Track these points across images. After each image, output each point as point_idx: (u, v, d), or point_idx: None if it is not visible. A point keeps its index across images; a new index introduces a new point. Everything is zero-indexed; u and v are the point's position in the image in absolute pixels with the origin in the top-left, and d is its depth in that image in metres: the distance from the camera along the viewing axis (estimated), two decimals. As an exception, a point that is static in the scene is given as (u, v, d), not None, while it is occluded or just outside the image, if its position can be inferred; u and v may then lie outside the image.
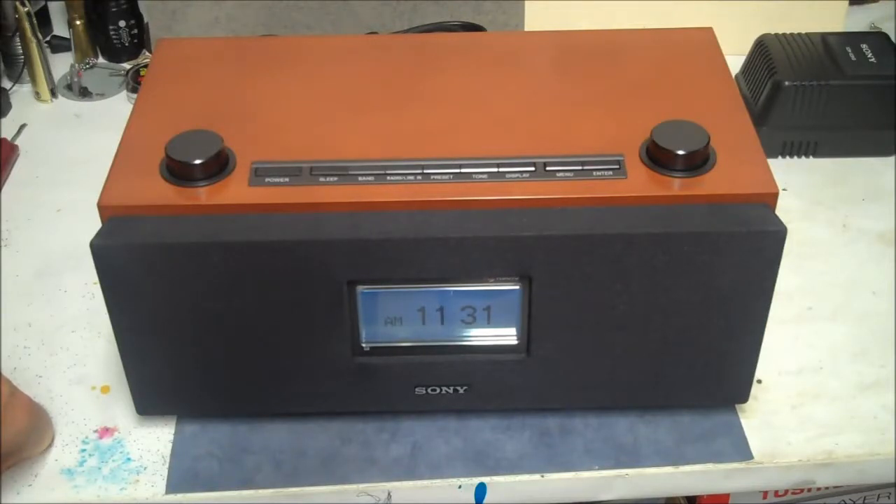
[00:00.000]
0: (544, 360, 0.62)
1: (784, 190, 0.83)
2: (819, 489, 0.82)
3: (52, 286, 0.77)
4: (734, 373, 0.63)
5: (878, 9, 1.07)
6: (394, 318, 0.61)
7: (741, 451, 0.65)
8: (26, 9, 0.93)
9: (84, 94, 0.98)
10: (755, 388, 0.67)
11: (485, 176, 0.58)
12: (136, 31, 1.01)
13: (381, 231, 0.56)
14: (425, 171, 0.58)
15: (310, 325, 0.60)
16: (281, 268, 0.57)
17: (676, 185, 0.58)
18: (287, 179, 0.58)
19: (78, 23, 0.99)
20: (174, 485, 0.63)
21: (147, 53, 1.02)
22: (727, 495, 0.79)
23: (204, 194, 0.58)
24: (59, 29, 1.05)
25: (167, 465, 0.64)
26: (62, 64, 1.00)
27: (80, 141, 0.92)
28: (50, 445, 0.65)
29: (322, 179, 0.58)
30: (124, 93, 0.97)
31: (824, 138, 0.88)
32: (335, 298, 0.59)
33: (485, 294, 0.60)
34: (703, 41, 0.70)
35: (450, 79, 0.66)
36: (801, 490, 0.81)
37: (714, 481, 0.65)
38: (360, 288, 0.59)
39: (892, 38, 0.91)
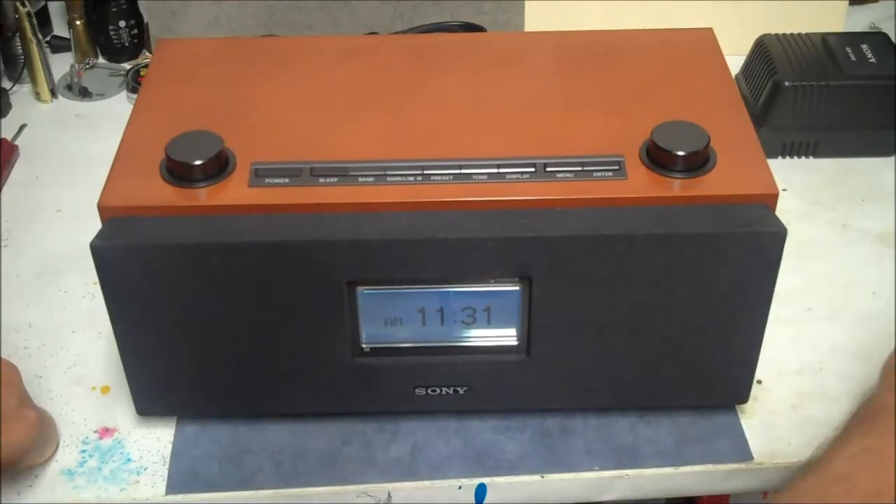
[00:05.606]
0: (544, 361, 0.62)
1: (784, 190, 0.83)
2: (819, 489, 0.82)
3: (52, 286, 0.77)
4: (734, 373, 0.63)
5: (878, 9, 1.07)
6: (394, 319, 0.61)
7: (741, 451, 0.65)
8: (26, 9, 0.93)
9: (84, 94, 0.98)
10: (755, 388, 0.67)
11: (485, 177, 0.58)
12: (136, 31, 1.01)
13: (381, 232, 0.56)
14: (425, 172, 0.58)
15: (310, 326, 0.60)
16: (281, 268, 0.57)
17: (676, 186, 0.58)
18: (287, 180, 0.58)
19: (78, 23, 0.99)
20: (174, 485, 0.63)
21: (147, 53, 1.02)
22: (727, 496, 0.79)
23: (204, 195, 0.58)
24: (59, 29, 1.04)
25: (167, 466, 0.64)
26: (62, 64, 1.00)
27: (80, 141, 0.92)
28: (53, 454, 0.65)
29: (322, 180, 0.58)
30: (124, 93, 0.97)
31: (824, 138, 0.88)
32: (335, 299, 0.59)
33: (485, 295, 0.60)
34: (703, 41, 0.70)
35: (450, 79, 0.66)
36: (801, 490, 0.81)
37: (714, 482, 0.65)
38: (361, 288, 0.59)
39: (892, 38, 0.91)
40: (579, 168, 0.58)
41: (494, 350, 0.62)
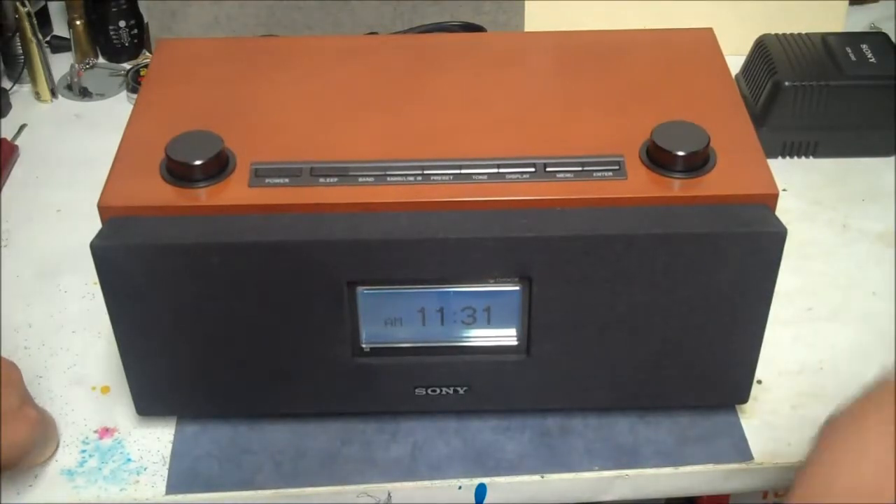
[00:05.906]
0: (544, 361, 0.62)
1: (784, 190, 0.83)
2: (819, 489, 0.82)
3: (52, 286, 0.77)
4: (734, 373, 0.63)
5: (878, 9, 1.07)
6: (394, 319, 0.61)
7: (741, 451, 0.65)
8: (26, 9, 0.93)
9: (84, 94, 0.98)
10: (755, 388, 0.67)
11: (485, 177, 0.58)
12: (136, 31, 1.01)
13: (381, 232, 0.56)
14: (425, 172, 0.58)
15: (310, 326, 0.60)
16: (281, 268, 0.57)
17: (676, 186, 0.58)
18: (287, 180, 0.58)
19: (78, 23, 0.99)
20: (174, 485, 0.63)
21: (147, 53, 1.02)
22: (727, 496, 0.79)
23: (204, 195, 0.58)
24: (59, 29, 1.04)
25: (167, 466, 0.64)
26: (62, 64, 1.00)
27: (80, 141, 0.92)
28: (53, 454, 0.65)
29: (322, 180, 0.58)
30: (124, 93, 0.97)
31: (824, 138, 0.88)
32: (335, 299, 0.59)
33: (485, 295, 0.60)
34: (703, 41, 0.70)
35: (450, 79, 0.66)
36: (801, 490, 0.81)
37: (714, 482, 0.65)
38: (361, 288, 0.59)
39: (892, 38, 0.91)
40: (579, 168, 0.58)
41: (494, 350, 0.62)
